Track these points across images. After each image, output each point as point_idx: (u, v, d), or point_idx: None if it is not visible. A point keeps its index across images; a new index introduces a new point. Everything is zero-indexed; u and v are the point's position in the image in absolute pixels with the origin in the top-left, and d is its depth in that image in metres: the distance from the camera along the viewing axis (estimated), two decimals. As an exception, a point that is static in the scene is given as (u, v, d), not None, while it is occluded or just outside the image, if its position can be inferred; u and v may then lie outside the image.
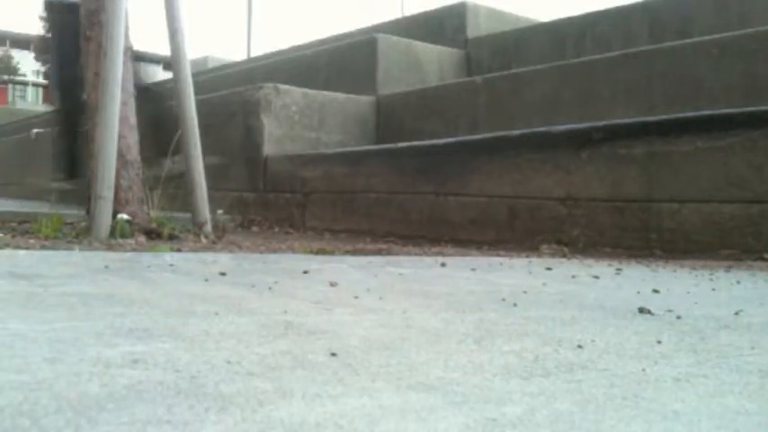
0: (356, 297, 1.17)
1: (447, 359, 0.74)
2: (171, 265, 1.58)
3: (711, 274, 1.69)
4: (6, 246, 1.85)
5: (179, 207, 3.09)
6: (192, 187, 2.69)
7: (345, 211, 3.49)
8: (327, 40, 6.57)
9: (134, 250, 1.93)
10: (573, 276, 1.60)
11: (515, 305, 1.14)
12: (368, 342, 0.81)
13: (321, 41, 6.66)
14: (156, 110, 4.41)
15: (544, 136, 2.73)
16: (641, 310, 1.09)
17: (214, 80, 6.26)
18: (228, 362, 0.68)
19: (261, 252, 2.05)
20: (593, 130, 2.59)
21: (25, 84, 38.49)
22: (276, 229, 3.55)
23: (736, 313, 1.11)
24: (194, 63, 7.82)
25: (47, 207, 2.63)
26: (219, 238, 2.48)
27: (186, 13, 2.75)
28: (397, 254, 2.14)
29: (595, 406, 0.58)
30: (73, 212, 2.69)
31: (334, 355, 0.73)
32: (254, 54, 13.61)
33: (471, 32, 5.38)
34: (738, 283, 1.55)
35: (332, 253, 2.07)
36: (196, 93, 2.77)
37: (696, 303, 1.22)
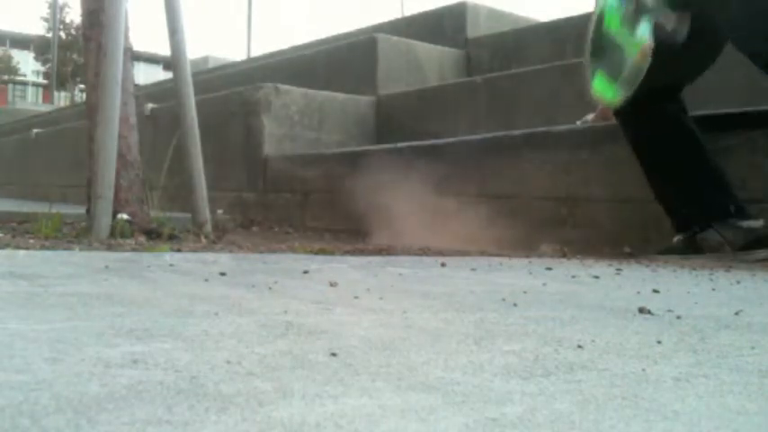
0: (356, 297, 1.17)
1: (447, 359, 0.74)
2: (171, 265, 1.58)
3: (711, 274, 1.69)
4: (6, 246, 1.85)
5: (179, 207, 3.09)
6: (192, 187, 2.69)
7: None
8: (327, 40, 6.57)
9: (134, 250, 1.93)
10: (573, 276, 1.60)
11: (515, 305, 1.14)
12: (368, 342, 0.81)
13: (321, 41, 6.66)
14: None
15: (544, 136, 2.73)
16: (641, 310, 1.09)
17: (214, 80, 6.26)
18: (228, 362, 0.68)
19: (261, 252, 2.05)
20: (592, 130, 2.59)
21: (25, 84, 38.51)
22: (276, 229, 3.55)
23: (737, 313, 1.11)
24: (194, 63, 7.84)
25: (47, 207, 2.63)
26: (219, 238, 2.48)
27: (186, 12, 2.75)
28: (397, 254, 2.14)
29: (595, 406, 0.58)
30: (73, 212, 2.69)
31: (334, 355, 0.73)
32: (254, 54, 13.65)
33: (471, 32, 5.37)
34: (738, 282, 1.55)
35: (332, 253, 2.07)
36: (196, 93, 2.77)
37: (696, 303, 1.22)
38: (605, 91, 1.98)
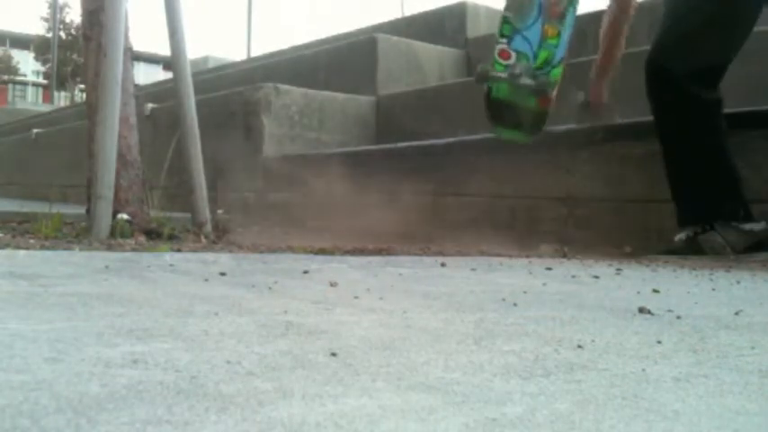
0: (356, 297, 1.17)
1: (447, 359, 0.74)
2: (171, 265, 1.58)
3: (711, 274, 1.70)
4: (6, 246, 1.85)
5: (179, 207, 3.09)
6: (192, 187, 2.69)
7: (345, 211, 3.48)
8: (327, 40, 6.57)
9: (134, 250, 1.93)
10: (573, 276, 1.60)
11: (515, 305, 1.14)
12: (368, 342, 0.81)
13: (321, 41, 6.66)
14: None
15: (544, 136, 2.73)
16: (641, 310, 1.09)
17: (214, 80, 6.26)
18: (228, 362, 0.68)
19: (261, 252, 2.05)
20: (593, 130, 2.59)
21: (25, 84, 38.50)
22: (276, 229, 3.55)
23: (737, 313, 1.11)
24: (194, 63, 7.84)
25: (47, 207, 2.62)
26: (219, 238, 2.48)
27: (186, 13, 2.75)
28: (397, 254, 2.14)
29: (595, 406, 0.58)
30: (73, 212, 2.69)
31: (334, 355, 0.73)
32: (254, 54, 13.64)
33: (471, 32, 5.37)
34: (738, 283, 1.55)
35: (332, 253, 2.07)
36: (196, 93, 2.77)
37: (696, 303, 1.22)
38: (514, 137, 2.48)
